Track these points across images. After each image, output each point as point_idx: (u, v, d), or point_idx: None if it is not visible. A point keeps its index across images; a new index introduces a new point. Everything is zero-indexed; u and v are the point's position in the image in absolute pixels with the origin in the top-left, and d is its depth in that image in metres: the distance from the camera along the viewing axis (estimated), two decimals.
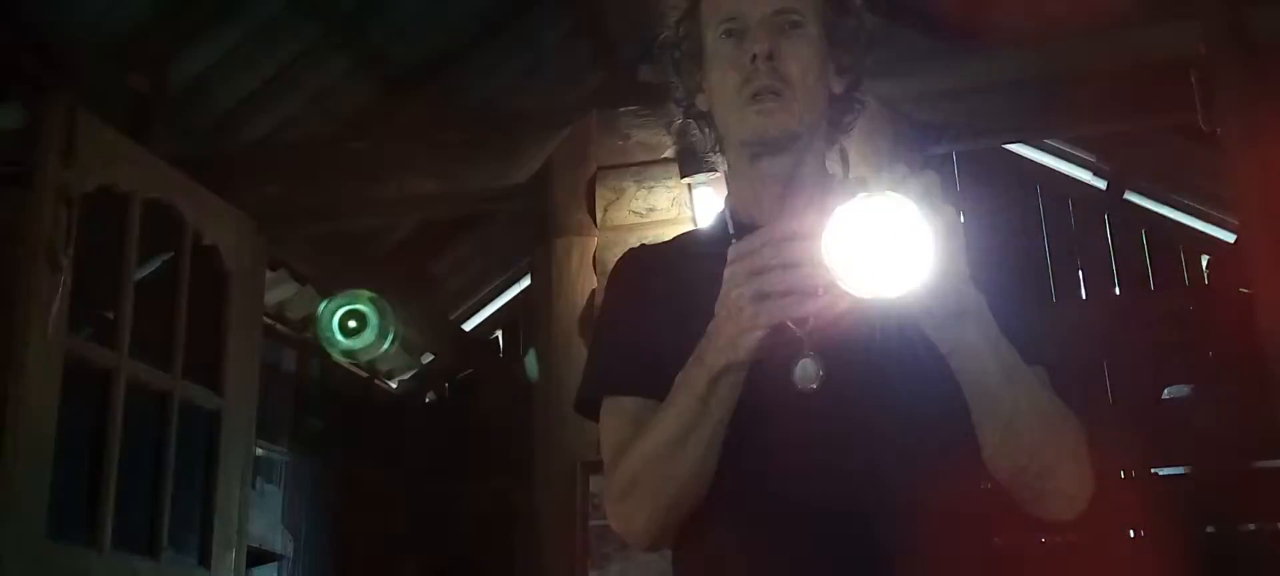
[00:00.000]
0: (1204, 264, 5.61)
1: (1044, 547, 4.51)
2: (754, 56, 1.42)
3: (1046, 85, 3.50)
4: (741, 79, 1.43)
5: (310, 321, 5.33)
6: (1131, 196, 5.66)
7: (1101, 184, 5.66)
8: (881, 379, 1.32)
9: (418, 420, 6.18)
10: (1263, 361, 3.14)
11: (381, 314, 5.23)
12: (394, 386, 6.06)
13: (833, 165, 1.50)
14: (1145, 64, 3.41)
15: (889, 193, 1.15)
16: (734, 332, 1.24)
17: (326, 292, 5.25)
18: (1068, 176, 5.70)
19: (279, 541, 5.23)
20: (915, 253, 1.14)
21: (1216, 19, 3.34)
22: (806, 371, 1.30)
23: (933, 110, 3.52)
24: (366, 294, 5.23)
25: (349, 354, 5.36)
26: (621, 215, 3.63)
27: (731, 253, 1.24)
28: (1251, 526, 4.91)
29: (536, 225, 3.80)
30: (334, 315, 5.23)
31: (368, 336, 5.22)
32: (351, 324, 5.24)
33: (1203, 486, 4.85)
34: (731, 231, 1.46)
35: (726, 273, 1.24)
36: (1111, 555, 4.73)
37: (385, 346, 5.31)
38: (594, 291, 3.54)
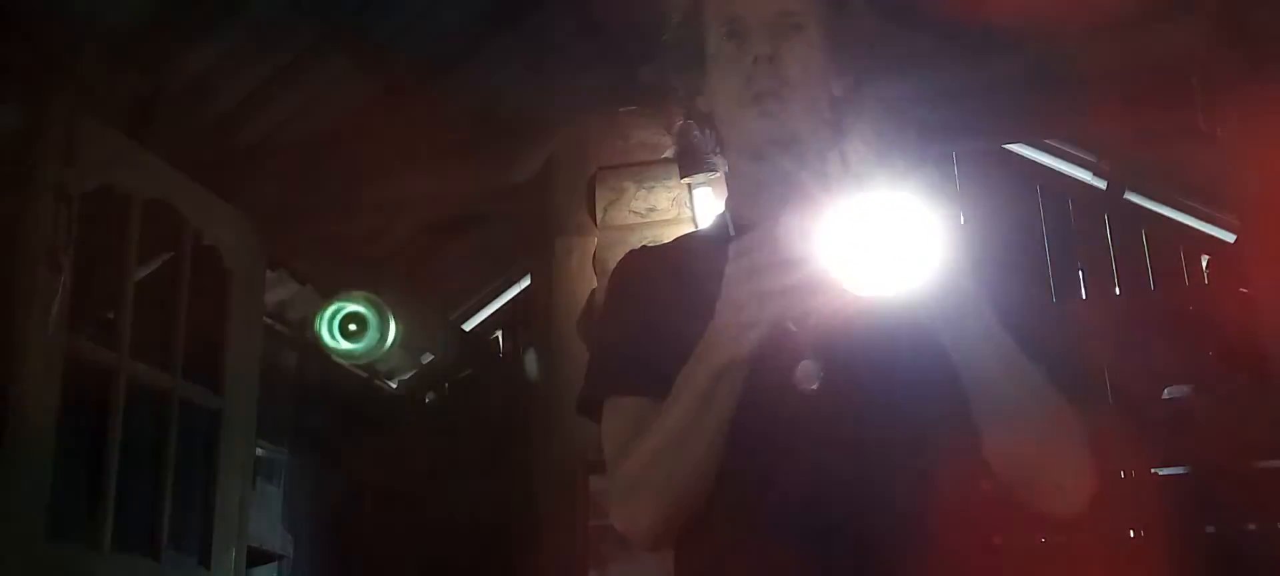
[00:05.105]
0: (1204, 264, 5.61)
1: (1044, 547, 4.51)
2: (755, 59, 1.42)
3: (1046, 85, 3.50)
4: (743, 81, 1.43)
5: (310, 321, 5.33)
6: (1131, 196, 5.66)
7: (1101, 184, 5.66)
8: (883, 377, 1.32)
9: (418, 420, 6.18)
10: (1263, 361, 3.14)
11: (381, 315, 5.23)
12: (394, 386, 6.06)
13: (834, 166, 1.50)
14: (1145, 64, 3.41)
15: (887, 190, 1.15)
16: (735, 330, 1.24)
17: (327, 293, 5.25)
18: (1068, 176, 5.69)
19: (279, 541, 5.23)
20: (914, 249, 1.14)
21: (1216, 19, 3.34)
22: (807, 371, 1.31)
23: (933, 110, 3.52)
24: (364, 295, 5.22)
25: (349, 356, 5.36)
26: (621, 215, 3.63)
27: (732, 250, 1.24)
28: (1251, 526, 4.90)
29: (536, 225, 3.80)
30: (333, 318, 5.22)
31: (368, 339, 5.21)
32: (351, 326, 5.23)
33: (1203, 486, 4.85)
34: (732, 233, 1.46)
35: (727, 270, 1.24)
36: (1111, 555, 4.73)
37: (385, 348, 5.30)
38: (594, 291, 3.55)
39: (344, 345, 5.24)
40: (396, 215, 4.90)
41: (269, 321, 4.80)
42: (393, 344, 5.31)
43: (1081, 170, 5.65)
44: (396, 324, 5.27)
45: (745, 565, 1.35)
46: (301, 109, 4.38)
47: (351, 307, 5.22)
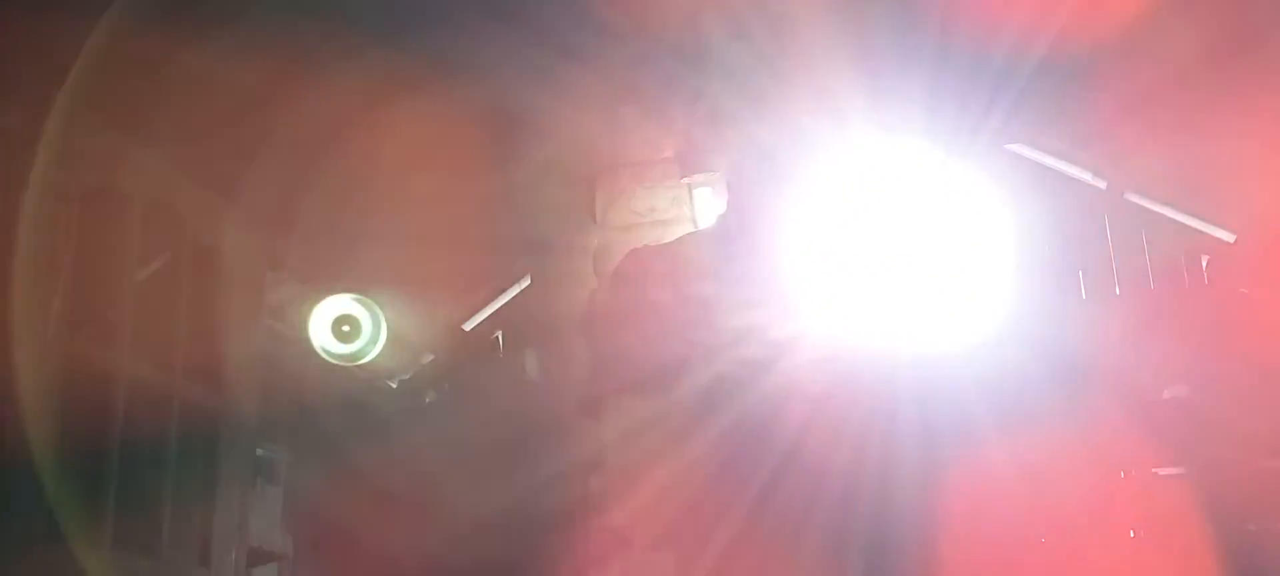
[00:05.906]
0: (1204, 264, 5.61)
1: (1044, 547, 4.51)
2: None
3: (1046, 85, 3.50)
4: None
5: (304, 324, 5.31)
6: (1131, 196, 5.65)
7: (1101, 184, 5.66)
8: (887, 379, 1.32)
9: (418, 420, 6.17)
10: (1263, 361, 3.14)
11: (372, 317, 5.20)
12: (394, 386, 6.05)
13: (839, 180, 1.51)
14: (1145, 64, 3.41)
15: (886, 204, 1.15)
16: (736, 331, 1.25)
17: (326, 293, 5.23)
18: (1068, 176, 5.69)
19: (279, 541, 5.23)
20: (921, 257, 1.15)
21: (1216, 20, 3.34)
22: (809, 375, 1.31)
23: (932, 110, 3.52)
24: (355, 297, 5.19)
25: (340, 359, 5.33)
26: (621, 215, 3.63)
27: (737, 252, 1.25)
28: (1251, 526, 4.90)
29: (536, 225, 3.80)
30: (325, 320, 5.19)
31: (361, 341, 5.18)
32: (345, 328, 5.20)
33: (1203, 486, 4.85)
34: (733, 233, 1.46)
35: (731, 271, 1.25)
36: (1111, 555, 4.73)
37: (377, 349, 5.28)
38: (594, 291, 3.55)
39: (336, 348, 5.21)
40: (396, 215, 4.89)
41: (269, 321, 4.80)
42: (383, 346, 5.29)
43: (1081, 170, 5.65)
44: (387, 325, 5.24)
45: (747, 565, 1.36)
46: (301, 109, 4.38)
47: (343, 309, 5.19)
